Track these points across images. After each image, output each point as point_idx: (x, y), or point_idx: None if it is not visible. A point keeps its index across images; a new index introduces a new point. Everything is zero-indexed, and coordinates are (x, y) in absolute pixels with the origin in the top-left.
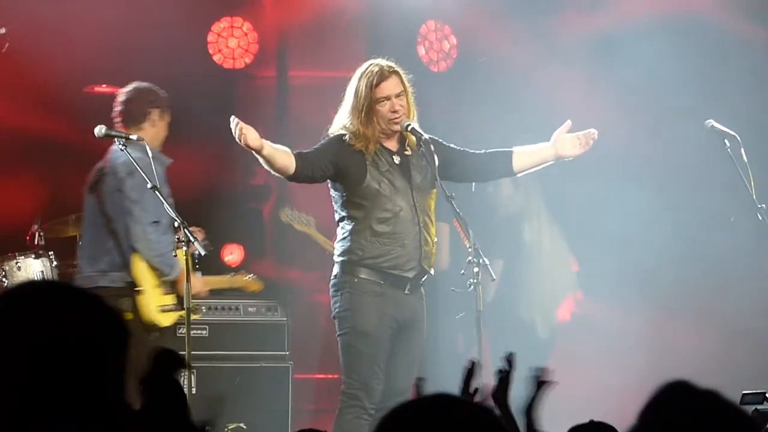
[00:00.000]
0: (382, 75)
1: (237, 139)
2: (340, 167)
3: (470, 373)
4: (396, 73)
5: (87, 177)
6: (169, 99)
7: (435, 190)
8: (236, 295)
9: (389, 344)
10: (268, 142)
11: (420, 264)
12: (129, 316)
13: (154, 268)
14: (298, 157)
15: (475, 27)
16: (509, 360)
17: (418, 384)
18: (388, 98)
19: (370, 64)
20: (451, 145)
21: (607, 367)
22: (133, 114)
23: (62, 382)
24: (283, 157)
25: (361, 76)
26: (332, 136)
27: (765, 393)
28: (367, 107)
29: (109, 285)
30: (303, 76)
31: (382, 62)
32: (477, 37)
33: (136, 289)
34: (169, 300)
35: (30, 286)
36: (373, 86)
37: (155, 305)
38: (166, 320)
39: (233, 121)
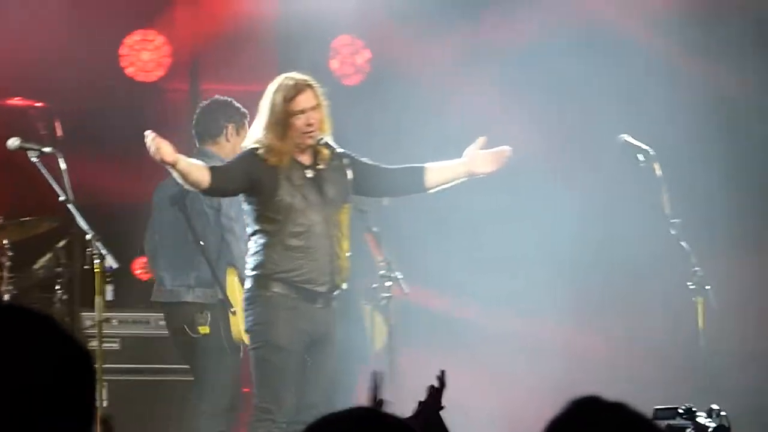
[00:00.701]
0: (297, 88)
1: (151, 153)
2: (253, 180)
3: (374, 385)
4: (311, 86)
5: (153, 189)
6: (246, 114)
7: (348, 205)
8: (147, 308)
9: (301, 358)
10: (183, 156)
11: (332, 278)
12: (205, 330)
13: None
14: (212, 171)
15: (389, 41)
16: (441, 378)
17: (375, 378)
18: (303, 111)
19: (285, 78)
20: (364, 160)
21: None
22: (209, 127)
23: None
24: (197, 171)
25: (276, 89)
26: (245, 149)
27: (677, 408)
28: (282, 121)
29: (193, 300)
30: (215, 90)
31: (297, 76)
32: (391, 51)
33: (232, 309)
34: None
35: None
36: (288, 99)
37: (242, 324)
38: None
39: (148, 135)
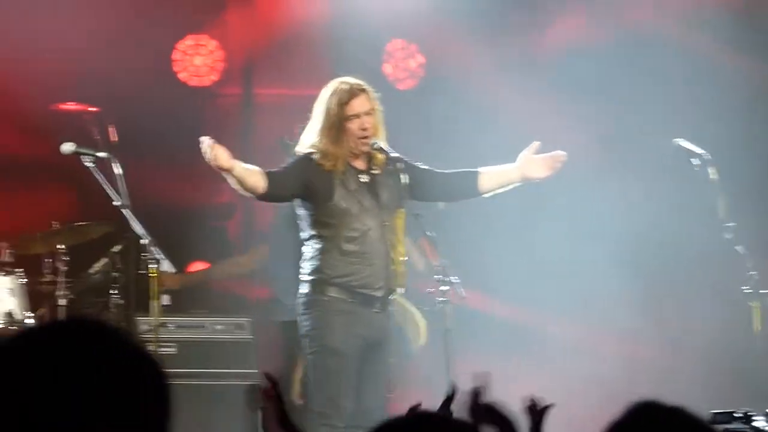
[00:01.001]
0: (352, 93)
1: (207, 159)
2: (308, 186)
3: (449, 398)
4: (365, 91)
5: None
6: None
7: (402, 209)
8: (203, 312)
9: (358, 362)
10: (238, 162)
11: (388, 283)
12: None
13: None
14: (269, 176)
15: (442, 45)
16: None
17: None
18: (357, 116)
19: (340, 82)
20: (418, 164)
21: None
22: None
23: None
24: (254, 176)
25: (331, 93)
26: (300, 155)
27: (734, 412)
28: (337, 125)
29: None
30: (268, 94)
31: (351, 80)
32: (444, 55)
33: None
34: None
35: (61, 324)
36: (342, 104)
37: None
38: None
39: (205, 140)
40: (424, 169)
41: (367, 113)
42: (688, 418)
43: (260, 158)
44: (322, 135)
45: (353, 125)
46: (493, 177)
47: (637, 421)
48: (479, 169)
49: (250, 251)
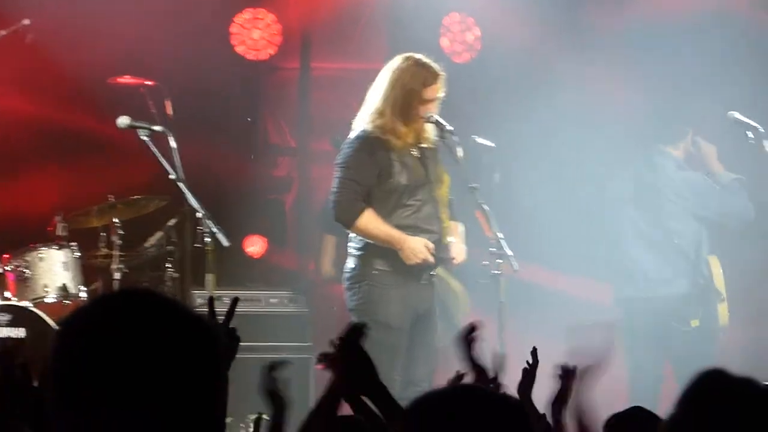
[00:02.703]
0: (435, 76)
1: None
2: (375, 174)
3: (470, 340)
4: (442, 77)
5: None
6: None
7: (447, 181)
8: (258, 286)
9: (409, 335)
10: (397, 235)
11: (440, 256)
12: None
13: None
14: (363, 205)
15: (499, 19)
16: (533, 354)
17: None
18: (433, 101)
19: (421, 60)
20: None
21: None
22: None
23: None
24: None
25: (411, 67)
26: (364, 138)
27: None
28: (410, 104)
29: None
30: (326, 68)
31: (432, 62)
32: (501, 29)
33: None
34: None
35: (118, 296)
36: (425, 84)
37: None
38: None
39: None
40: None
41: (439, 99)
42: (756, 389)
43: (316, 133)
44: (393, 109)
45: (425, 108)
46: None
47: (706, 391)
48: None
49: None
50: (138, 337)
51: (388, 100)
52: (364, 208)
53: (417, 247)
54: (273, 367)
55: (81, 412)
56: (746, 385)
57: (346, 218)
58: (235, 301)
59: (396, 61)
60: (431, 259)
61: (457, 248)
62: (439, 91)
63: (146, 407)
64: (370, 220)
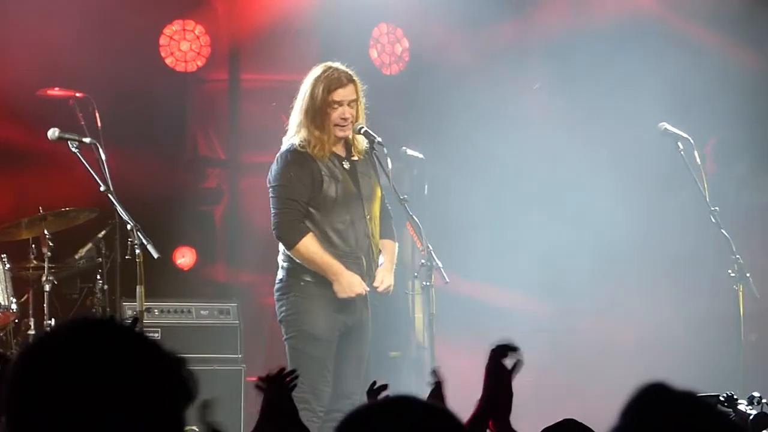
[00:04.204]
0: (340, 81)
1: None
2: (309, 186)
3: (438, 385)
4: (353, 81)
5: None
6: None
7: (381, 195)
8: (189, 298)
9: (336, 347)
10: (337, 268)
11: (370, 270)
12: None
13: None
14: (306, 229)
15: (427, 30)
16: (436, 373)
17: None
18: (340, 104)
19: (329, 68)
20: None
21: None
22: None
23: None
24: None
25: (318, 79)
26: (292, 153)
27: (719, 395)
28: (321, 110)
29: None
30: (255, 80)
31: (341, 68)
32: (430, 39)
33: None
34: None
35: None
36: (330, 90)
37: None
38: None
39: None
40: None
41: (350, 103)
42: (698, 403)
43: (246, 145)
44: (307, 119)
45: (334, 112)
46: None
47: (648, 404)
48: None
49: None
50: (100, 365)
51: (304, 112)
52: (306, 232)
53: (353, 282)
54: (206, 405)
55: None
56: (688, 398)
57: (288, 240)
58: (134, 321)
59: (310, 73)
60: (364, 293)
61: (381, 275)
62: (346, 95)
63: None
64: (311, 244)
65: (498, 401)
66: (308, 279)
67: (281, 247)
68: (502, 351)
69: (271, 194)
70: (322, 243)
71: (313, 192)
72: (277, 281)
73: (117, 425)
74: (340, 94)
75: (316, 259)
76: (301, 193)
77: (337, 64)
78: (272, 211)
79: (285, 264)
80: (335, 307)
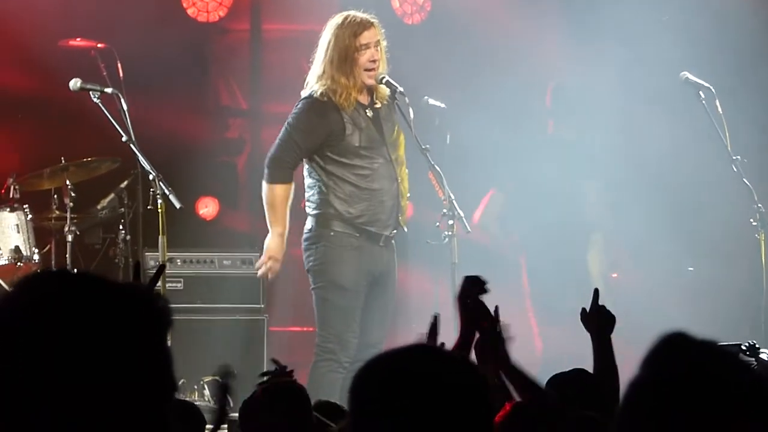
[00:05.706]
0: (363, 25)
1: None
2: (327, 132)
3: (433, 327)
4: (374, 24)
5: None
6: None
7: (404, 141)
8: (211, 248)
9: (364, 297)
10: (279, 228)
11: (396, 220)
12: None
13: None
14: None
15: None
16: (495, 313)
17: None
18: (367, 46)
19: (350, 15)
20: None
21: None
22: None
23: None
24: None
25: (341, 26)
26: (309, 103)
27: (740, 344)
28: (349, 56)
29: None
30: (277, 29)
31: (360, 13)
32: None
33: None
34: None
35: (39, 278)
36: (356, 34)
37: None
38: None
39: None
40: None
41: (376, 45)
42: (720, 352)
43: (268, 95)
44: (333, 67)
45: (363, 57)
46: None
47: (669, 354)
48: None
49: None
50: (70, 318)
51: (328, 60)
52: (289, 182)
53: (266, 252)
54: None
55: (21, 402)
56: (709, 347)
57: (270, 175)
58: (160, 268)
59: (331, 21)
60: (260, 272)
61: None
62: (371, 37)
63: (90, 387)
64: (281, 194)
65: (471, 337)
66: (338, 229)
67: (310, 198)
68: (470, 284)
69: (283, 128)
70: (342, 186)
71: (333, 140)
72: (305, 231)
73: (96, 377)
74: (366, 37)
75: (276, 209)
76: (309, 141)
77: (355, 11)
78: (276, 142)
79: (315, 212)
80: (364, 257)
